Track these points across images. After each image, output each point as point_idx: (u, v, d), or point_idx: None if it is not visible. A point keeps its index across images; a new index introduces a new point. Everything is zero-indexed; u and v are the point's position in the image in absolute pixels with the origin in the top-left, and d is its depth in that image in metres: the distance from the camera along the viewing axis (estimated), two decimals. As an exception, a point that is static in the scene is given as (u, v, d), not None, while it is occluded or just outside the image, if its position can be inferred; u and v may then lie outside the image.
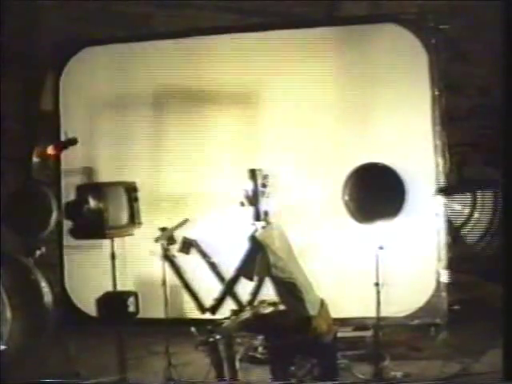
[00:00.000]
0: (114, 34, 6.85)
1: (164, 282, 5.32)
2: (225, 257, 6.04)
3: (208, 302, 5.99)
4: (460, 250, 6.09)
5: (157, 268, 5.34)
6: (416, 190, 5.50)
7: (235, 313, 4.78)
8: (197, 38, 6.63)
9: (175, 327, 5.28)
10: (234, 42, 6.54)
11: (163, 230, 5.37)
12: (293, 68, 6.39)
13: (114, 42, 6.83)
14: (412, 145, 6.20)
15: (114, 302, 5.02)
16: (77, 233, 5.19)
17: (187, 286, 6.07)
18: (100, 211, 5.03)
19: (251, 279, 4.96)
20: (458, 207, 5.92)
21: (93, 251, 6.17)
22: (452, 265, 5.86)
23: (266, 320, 4.71)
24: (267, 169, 5.57)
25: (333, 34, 6.42)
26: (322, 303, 4.70)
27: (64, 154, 6.79)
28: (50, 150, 5.30)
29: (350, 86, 6.30)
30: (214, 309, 5.88)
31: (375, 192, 5.05)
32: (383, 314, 5.10)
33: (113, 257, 5.28)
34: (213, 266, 6.05)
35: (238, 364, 4.47)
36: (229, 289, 5.91)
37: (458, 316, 5.74)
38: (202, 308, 6.03)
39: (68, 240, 6.37)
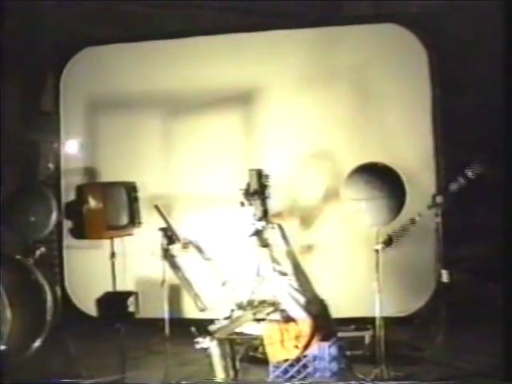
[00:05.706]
0: (114, 34, 6.85)
1: (164, 282, 5.32)
2: (225, 257, 6.04)
3: (208, 302, 5.99)
4: (460, 250, 6.09)
5: (157, 268, 5.34)
6: (416, 190, 5.50)
7: (235, 313, 4.78)
8: (197, 37, 6.63)
9: (175, 327, 5.27)
10: (234, 41, 6.55)
11: (163, 229, 5.37)
12: (293, 68, 6.39)
13: (114, 42, 6.84)
14: (412, 145, 6.20)
15: (114, 302, 5.02)
16: (77, 233, 5.19)
17: (187, 286, 6.07)
18: (100, 211, 5.02)
19: (251, 279, 4.96)
20: (457, 207, 5.92)
21: (93, 251, 6.17)
22: (452, 265, 5.85)
23: (266, 320, 4.70)
24: (267, 169, 5.58)
25: (333, 34, 6.42)
26: (323, 303, 4.70)
27: (64, 154, 6.82)
28: None
29: (351, 85, 6.30)
30: (213, 309, 5.88)
31: (375, 192, 5.04)
32: (383, 314, 5.09)
33: (113, 257, 5.27)
34: (212, 266, 6.05)
35: (238, 364, 4.47)
36: (229, 289, 5.91)
37: (457, 316, 5.73)
38: (202, 308, 6.03)
39: (68, 240, 6.38)
